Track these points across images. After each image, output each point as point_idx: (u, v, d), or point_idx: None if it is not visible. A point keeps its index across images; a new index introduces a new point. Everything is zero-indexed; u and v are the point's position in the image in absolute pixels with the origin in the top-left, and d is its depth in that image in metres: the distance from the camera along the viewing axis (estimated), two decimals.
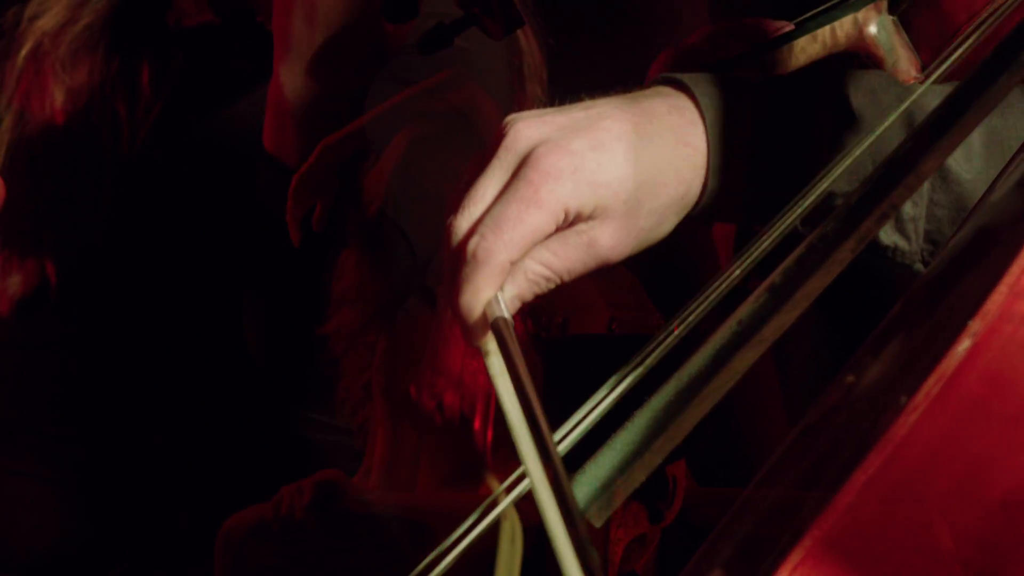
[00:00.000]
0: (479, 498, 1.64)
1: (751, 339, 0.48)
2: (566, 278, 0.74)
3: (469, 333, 0.68)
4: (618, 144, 0.74)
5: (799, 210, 0.65)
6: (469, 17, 1.15)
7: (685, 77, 0.77)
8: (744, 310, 0.50)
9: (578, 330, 1.49)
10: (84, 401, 1.45)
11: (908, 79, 0.97)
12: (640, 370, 0.68)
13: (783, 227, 0.64)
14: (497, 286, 0.69)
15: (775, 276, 0.50)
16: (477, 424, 1.42)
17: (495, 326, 0.65)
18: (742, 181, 0.76)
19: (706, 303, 0.64)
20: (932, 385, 0.49)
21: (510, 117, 0.74)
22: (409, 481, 1.69)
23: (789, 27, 0.99)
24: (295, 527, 1.47)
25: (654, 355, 0.68)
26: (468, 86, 1.52)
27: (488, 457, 1.66)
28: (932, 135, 0.48)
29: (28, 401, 1.44)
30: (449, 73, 1.50)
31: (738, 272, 0.65)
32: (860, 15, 0.99)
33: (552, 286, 0.74)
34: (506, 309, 0.67)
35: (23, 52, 1.40)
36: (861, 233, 0.49)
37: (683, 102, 0.77)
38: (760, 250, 0.64)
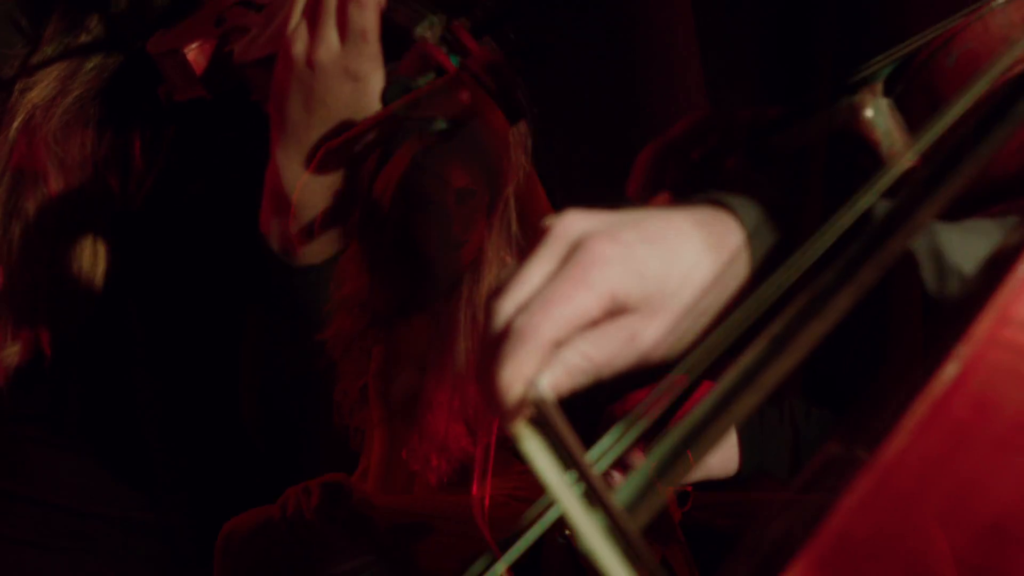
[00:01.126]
0: (475, 500, 1.67)
1: (753, 385, 0.50)
2: (604, 372, 0.73)
3: (505, 414, 0.66)
4: (666, 240, 0.76)
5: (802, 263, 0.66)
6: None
7: (724, 196, 0.79)
8: (747, 358, 0.51)
9: None
10: (79, 474, 1.46)
11: (906, 163, 0.98)
12: (645, 422, 0.69)
13: (785, 280, 0.65)
14: (540, 364, 0.67)
15: (776, 325, 0.52)
16: (475, 488, 1.43)
17: (538, 405, 0.63)
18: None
19: (710, 352, 0.66)
20: (920, 409, 0.50)
21: (555, 215, 0.75)
22: (406, 483, 1.71)
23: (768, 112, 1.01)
24: (303, 527, 1.49)
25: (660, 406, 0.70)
26: (471, 89, 1.54)
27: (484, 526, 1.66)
28: (924, 191, 0.51)
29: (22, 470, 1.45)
30: (451, 76, 1.51)
31: (742, 321, 0.67)
32: (856, 99, 1.00)
33: (588, 380, 0.73)
34: (546, 389, 0.65)
35: (15, 124, 1.39)
36: (859, 282, 0.51)
37: (723, 214, 0.79)
38: (764, 300, 0.66)
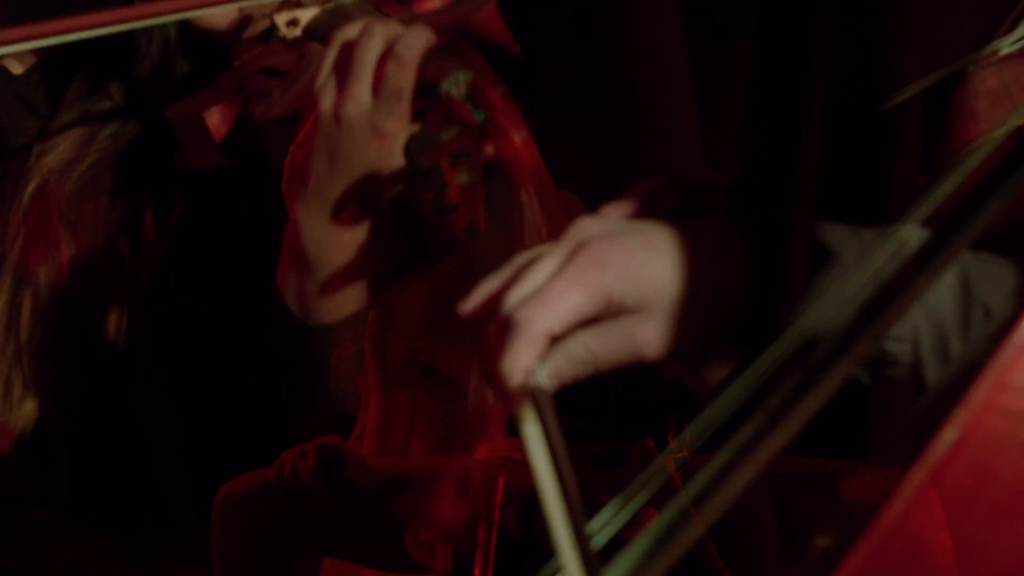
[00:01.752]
0: (473, 463, 1.69)
1: (749, 458, 0.51)
2: (603, 365, 0.78)
3: (506, 399, 0.71)
4: (669, 249, 0.79)
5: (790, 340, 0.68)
6: None
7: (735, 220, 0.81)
8: (743, 432, 0.52)
9: None
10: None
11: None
12: (644, 494, 0.72)
13: (779, 354, 0.67)
14: (536, 354, 0.73)
15: (772, 399, 0.52)
16: (476, 572, 1.44)
17: (533, 394, 0.69)
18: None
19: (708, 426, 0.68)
20: (919, 474, 0.51)
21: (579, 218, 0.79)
22: (402, 446, 1.72)
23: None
24: (299, 489, 1.50)
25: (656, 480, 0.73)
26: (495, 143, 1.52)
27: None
28: (917, 265, 0.51)
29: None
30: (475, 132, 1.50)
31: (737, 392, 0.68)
32: None
33: (589, 370, 0.78)
34: (545, 379, 0.71)
35: (29, 189, 1.37)
36: (855, 355, 0.51)
37: (731, 233, 0.82)
38: (759, 373, 0.67)
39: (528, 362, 0.71)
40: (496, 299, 0.74)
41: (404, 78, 1.06)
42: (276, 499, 1.51)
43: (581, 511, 0.62)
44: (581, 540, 0.59)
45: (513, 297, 0.73)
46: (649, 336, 0.76)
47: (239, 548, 1.52)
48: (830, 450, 1.56)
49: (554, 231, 1.63)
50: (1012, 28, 0.89)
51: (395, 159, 1.11)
